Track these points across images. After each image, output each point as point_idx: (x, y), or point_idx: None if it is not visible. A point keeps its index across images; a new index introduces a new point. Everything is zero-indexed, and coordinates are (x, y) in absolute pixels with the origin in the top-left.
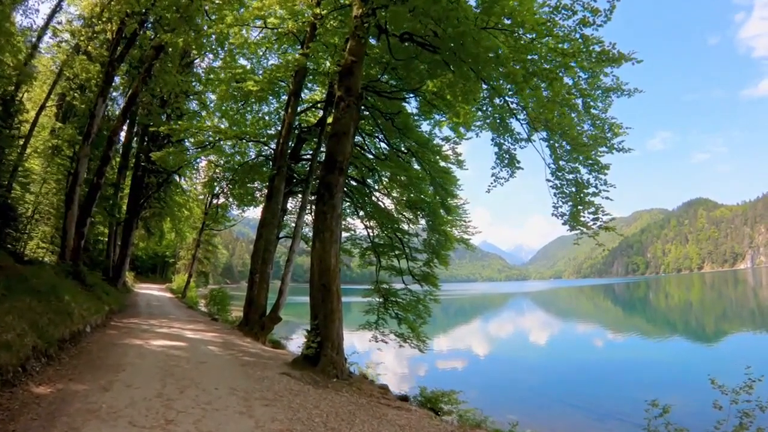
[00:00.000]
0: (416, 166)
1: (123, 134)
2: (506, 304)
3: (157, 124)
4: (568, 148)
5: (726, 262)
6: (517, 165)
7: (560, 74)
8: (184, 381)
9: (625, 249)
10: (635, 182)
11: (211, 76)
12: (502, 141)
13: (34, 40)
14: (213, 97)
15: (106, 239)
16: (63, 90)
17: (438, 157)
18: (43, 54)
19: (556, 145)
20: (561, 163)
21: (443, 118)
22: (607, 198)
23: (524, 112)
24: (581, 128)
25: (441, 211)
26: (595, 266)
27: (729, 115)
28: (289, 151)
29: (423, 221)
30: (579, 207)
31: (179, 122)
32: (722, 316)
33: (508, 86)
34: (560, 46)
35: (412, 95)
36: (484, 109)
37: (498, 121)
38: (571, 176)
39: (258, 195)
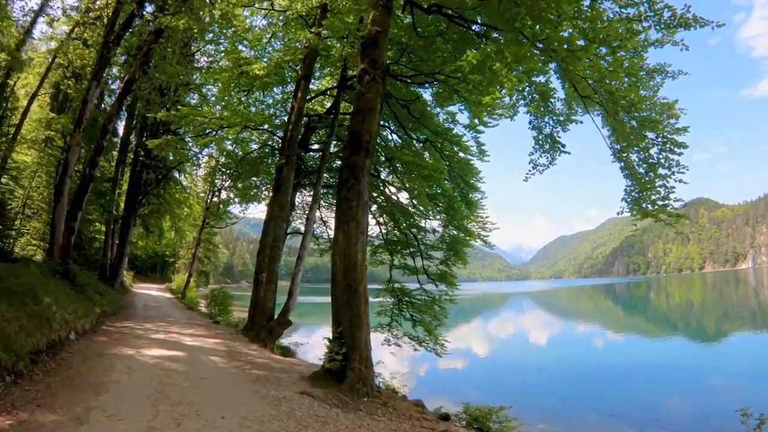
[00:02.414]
0: (429, 159)
1: (121, 129)
2: (509, 304)
3: (155, 112)
4: (635, 124)
5: (727, 262)
6: (561, 149)
7: (624, 42)
8: (181, 407)
9: (626, 249)
10: None
11: (214, 65)
12: (542, 124)
13: (26, 25)
14: (214, 90)
15: (103, 237)
16: (57, 79)
17: (458, 148)
18: (36, 41)
19: (625, 120)
20: (625, 142)
21: (461, 107)
22: (680, 181)
23: (569, 86)
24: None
25: (462, 205)
26: (596, 266)
27: (729, 115)
28: (298, 138)
29: (440, 217)
30: (646, 192)
31: (179, 107)
32: (728, 316)
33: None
34: (624, 11)
35: (428, 82)
36: (521, 89)
37: (540, 99)
38: (642, 155)
39: (264, 189)
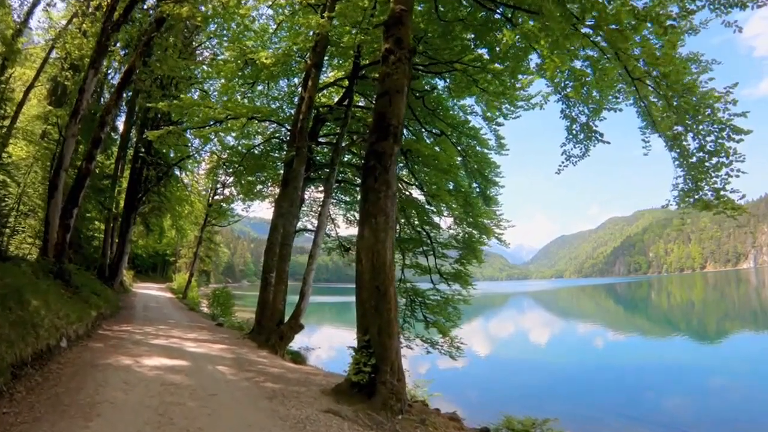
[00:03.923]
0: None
1: (121, 125)
2: (511, 304)
3: (156, 101)
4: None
5: (729, 262)
6: (599, 138)
7: (676, 21)
8: None
9: (627, 248)
10: (636, 182)
11: (218, 57)
12: (575, 114)
13: (23, 15)
14: (216, 86)
15: (102, 236)
16: (55, 72)
17: (475, 141)
18: (33, 31)
19: (683, 104)
20: (682, 127)
21: (476, 100)
22: (739, 171)
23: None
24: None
25: (479, 201)
26: (597, 266)
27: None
28: (308, 130)
29: (456, 213)
30: (701, 182)
31: (182, 96)
32: (729, 315)
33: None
34: None
35: (445, 71)
36: (562, 71)
37: (578, 86)
38: (699, 142)
39: (269, 185)
